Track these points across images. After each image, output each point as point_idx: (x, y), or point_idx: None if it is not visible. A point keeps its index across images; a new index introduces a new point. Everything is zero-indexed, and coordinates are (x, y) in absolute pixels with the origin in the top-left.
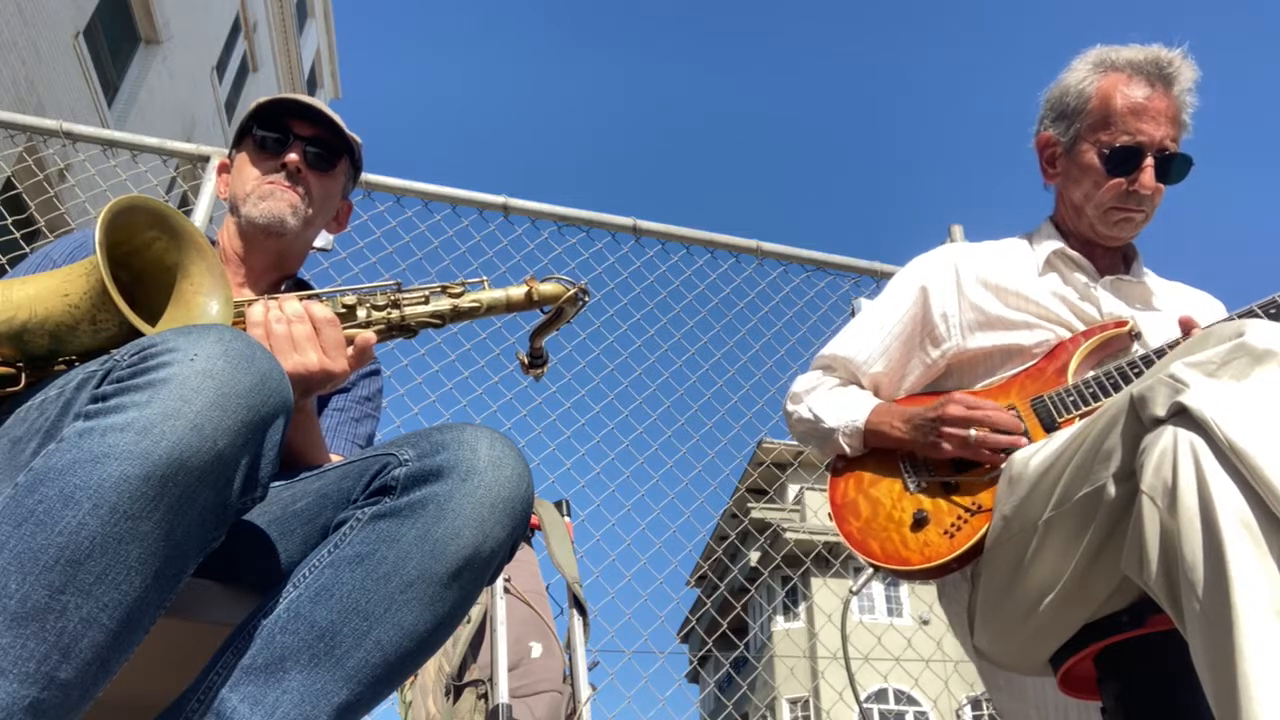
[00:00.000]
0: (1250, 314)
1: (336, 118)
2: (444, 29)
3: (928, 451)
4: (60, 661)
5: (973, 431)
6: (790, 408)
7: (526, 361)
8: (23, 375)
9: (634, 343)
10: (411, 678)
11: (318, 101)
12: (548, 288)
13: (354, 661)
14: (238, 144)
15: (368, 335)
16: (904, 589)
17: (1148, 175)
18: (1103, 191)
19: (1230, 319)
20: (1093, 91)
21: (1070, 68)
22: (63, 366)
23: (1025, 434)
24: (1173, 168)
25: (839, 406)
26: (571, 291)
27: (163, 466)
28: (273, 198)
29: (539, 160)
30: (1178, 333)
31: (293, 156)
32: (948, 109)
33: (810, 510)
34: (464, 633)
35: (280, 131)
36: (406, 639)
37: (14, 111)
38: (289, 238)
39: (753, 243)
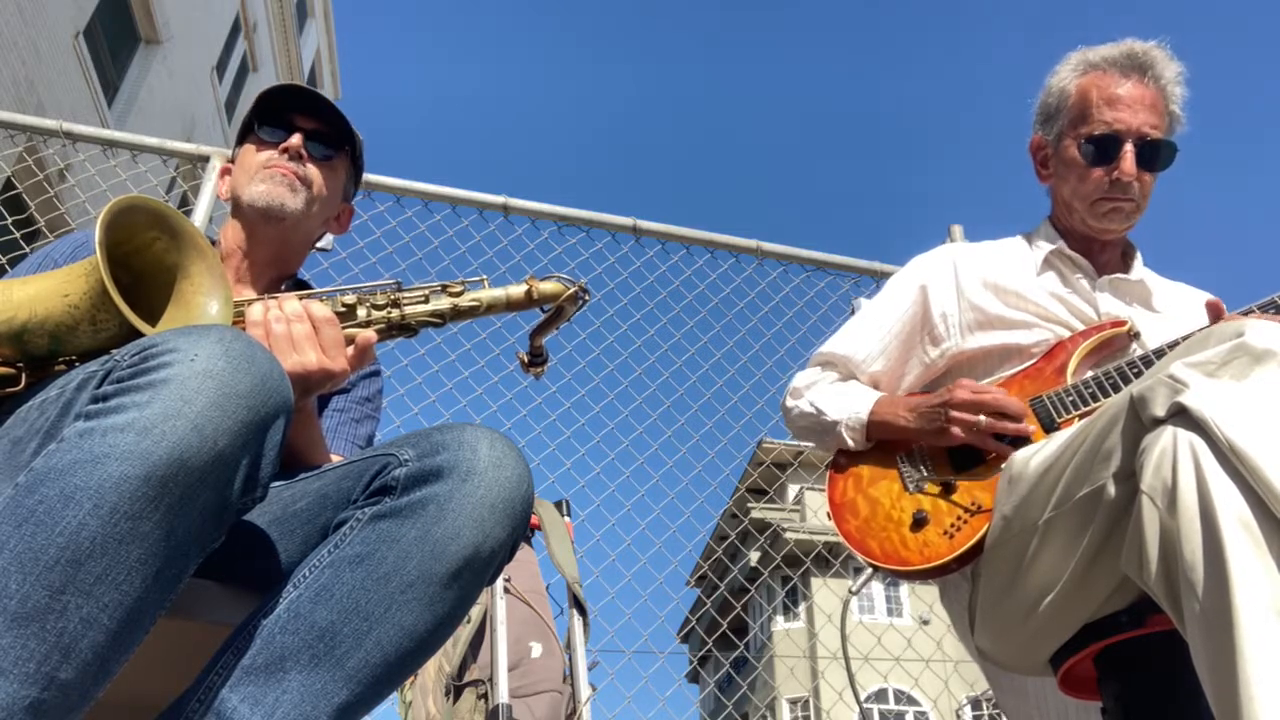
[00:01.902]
0: (1249, 314)
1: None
2: (444, 29)
3: (935, 440)
4: (60, 662)
5: (982, 417)
6: (790, 403)
7: (526, 360)
8: (23, 375)
9: (634, 343)
10: (411, 678)
11: (321, 92)
12: (547, 286)
13: (354, 662)
14: (241, 141)
15: (368, 334)
16: (904, 589)
17: (1128, 162)
18: (1087, 184)
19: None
20: (1072, 89)
21: (1053, 71)
22: (63, 367)
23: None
24: (1157, 155)
25: (842, 400)
26: (571, 290)
27: (163, 467)
28: (272, 180)
29: (539, 160)
30: (1177, 333)
31: (295, 139)
32: (948, 108)
33: (810, 510)
34: (464, 633)
35: (283, 126)
36: (406, 639)
37: (14, 111)
38: (289, 223)
39: (753, 243)
